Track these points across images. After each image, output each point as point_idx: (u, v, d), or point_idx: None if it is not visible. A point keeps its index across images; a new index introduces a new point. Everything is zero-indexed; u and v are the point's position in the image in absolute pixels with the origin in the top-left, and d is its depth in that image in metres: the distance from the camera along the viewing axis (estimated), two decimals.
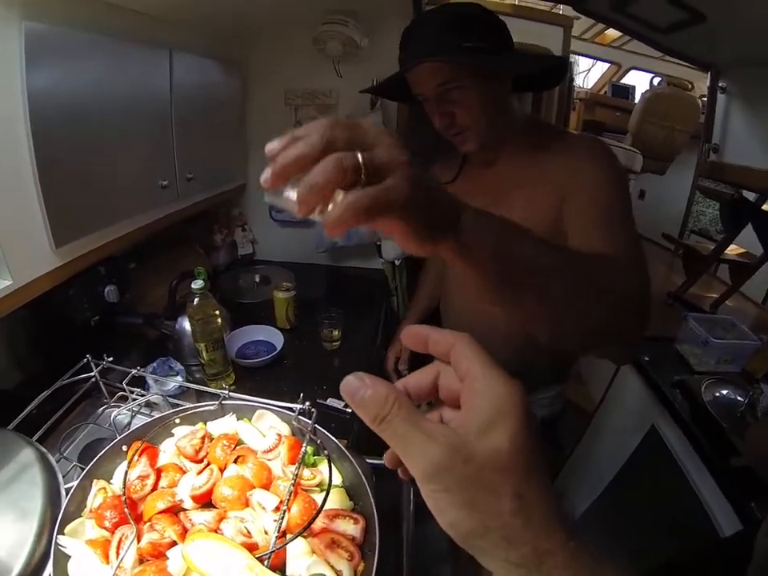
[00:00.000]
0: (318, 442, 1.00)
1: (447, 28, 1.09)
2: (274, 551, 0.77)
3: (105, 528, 0.83)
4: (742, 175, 2.05)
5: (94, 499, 0.88)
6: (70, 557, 0.78)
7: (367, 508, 0.88)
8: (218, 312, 1.45)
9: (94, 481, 0.92)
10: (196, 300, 1.40)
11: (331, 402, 1.15)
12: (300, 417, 1.04)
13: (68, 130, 1.17)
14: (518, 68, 1.21)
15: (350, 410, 1.19)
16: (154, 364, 1.37)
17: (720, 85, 2.18)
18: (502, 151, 1.27)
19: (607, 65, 5.17)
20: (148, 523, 0.83)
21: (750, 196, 2.28)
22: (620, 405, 2.10)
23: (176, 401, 1.24)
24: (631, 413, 1.95)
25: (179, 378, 1.33)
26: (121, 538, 0.80)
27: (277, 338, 1.79)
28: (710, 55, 2.12)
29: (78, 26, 1.16)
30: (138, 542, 0.79)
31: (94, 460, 0.93)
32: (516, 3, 2.28)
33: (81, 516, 0.87)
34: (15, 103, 1.03)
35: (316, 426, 1.02)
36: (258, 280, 2.43)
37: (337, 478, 0.95)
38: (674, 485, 1.59)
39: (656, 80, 4.33)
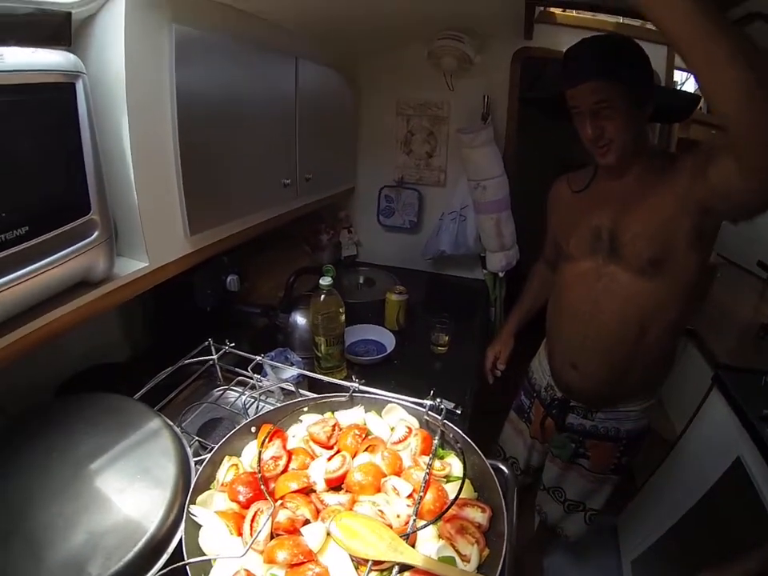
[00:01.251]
0: (451, 435, 1.03)
1: (607, 56, 1.25)
2: (411, 533, 0.81)
3: (238, 502, 0.86)
4: None
5: (227, 474, 0.92)
6: (200, 526, 0.81)
7: (495, 499, 0.90)
8: (342, 309, 1.50)
9: (226, 457, 0.96)
10: (323, 296, 1.45)
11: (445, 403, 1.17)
12: (430, 412, 1.08)
13: (207, 124, 1.24)
14: (661, 98, 1.35)
15: (459, 411, 1.24)
16: (273, 353, 1.40)
17: None
18: (631, 169, 1.37)
19: None
20: (280, 501, 0.85)
21: None
22: (704, 434, 2.02)
23: (300, 390, 1.28)
24: (716, 444, 1.87)
25: (296, 369, 1.36)
26: (256, 513, 0.83)
27: (387, 339, 1.85)
28: None
29: (220, 33, 1.25)
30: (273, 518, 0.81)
31: (227, 437, 0.98)
32: (620, 21, 2.22)
33: (210, 489, 0.90)
34: (165, 90, 1.11)
35: (445, 421, 1.05)
36: (362, 281, 2.49)
37: (459, 467, 0.98)
38: (755, 524, 1.50)
39: None
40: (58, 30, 0.91)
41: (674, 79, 2.69)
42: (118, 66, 0.97)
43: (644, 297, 1.36)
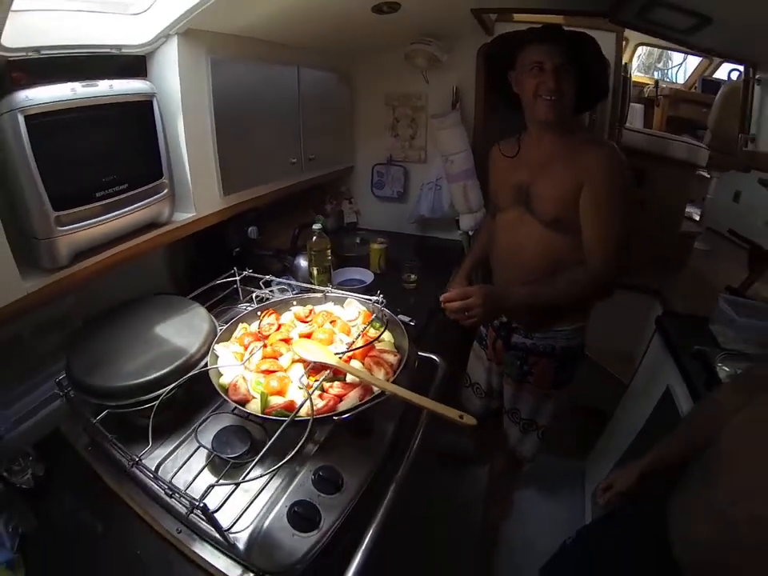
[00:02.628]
0: (384, 318, 1.54)
1: (571, 34, 1.60)
2: (346, 352, 1.33)
3: (243, 345, 1.42)
4: None
5: (239, 332, 1.48)
6: (218, 356, 1.36)
7: (405, 352, 1.39)
8: (329, 247, 2.03)
9: (240, 324, 1.52)
10: (315, 237, 2.00)
11: (401, 317, 1.63)
12: (376, 304, 1.58)
13: (233, 119, 1.78)
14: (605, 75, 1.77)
15: (413, 323, 1.67)
16: (279, 279, 1.93)
17: (756, 77, 2.27)
18: (551, 133, 1.67)
19: (699, 59, 4.91)
20: (270, 345, 1.40)
21: None
22: (647, 372, 2.28)
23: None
24: (654, 378, 2.09)
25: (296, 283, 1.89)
26: (251, 347, 1.39)
27: (368, 277, 2.36)
28: (741, 50, 2.24)
29: (240, 56, 1.80)
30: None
31: (241, 314, 1.55)
32: (563, 18, 2.53)
33: (228, 341, 1.45)
34: (206, 97, 1.65)
35: (384, 308, 1.56)
36: (358, 241, 2.97)
37: (389, 336, 1.48)
38: None
39: (734, 74, 4.04)
40: (138, 66, 1.45)
41: (623, 62, 2.98)
42: (175, 84, 1.51)
43: (553, 242, 1.67)
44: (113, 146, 1.32)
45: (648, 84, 4.29)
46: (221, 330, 1.46)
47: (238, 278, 1.81)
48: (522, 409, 2.05)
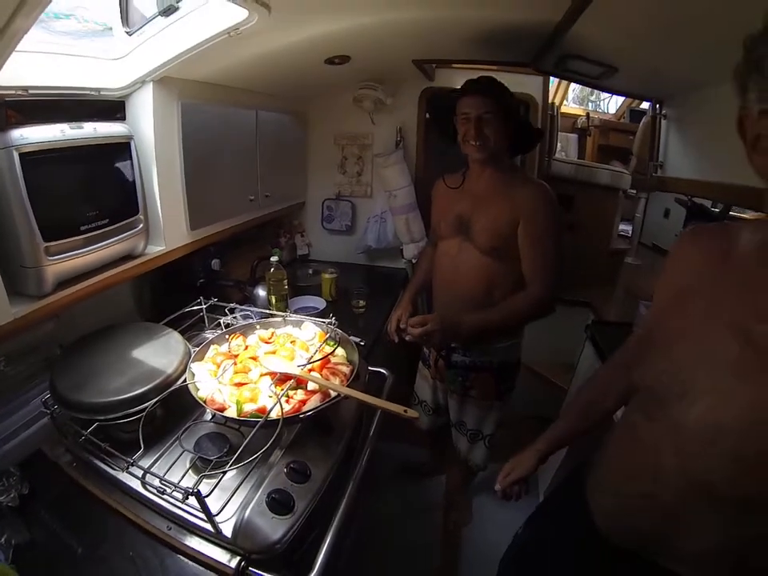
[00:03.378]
0: (336, 336, 1.72)
1: (491, 85, 1.78)
2: (306, 365, 1.49)
3: (216, 363, 1.56)
4: (673, 184, 2.50)
5: (211, 353, 1.63)
6: (194, 373, 1.48)
7: (356, 364, 1.58)
8: (285, 277, 2.21)
9: (211, 345, 1.66)
10: (272, 269, 2.16)
11: (352, 338, 1.79)
12: (329, 325, 1.76)
13: (200, 158, 1.92)
14: (523, 121, 1.97)
15: (363, 343, 1.87)
16: (242, 306, 2.06)
17: (663, 112, 2.54)
18: (490, 170, 1.87)
19: None
20: (240, 362, 1.55)
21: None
22: (580, 375, 2.47)
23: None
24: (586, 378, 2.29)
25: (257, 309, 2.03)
26: (223, 365, 1.54)
27: (321, 304, 2.53)
28: (647, 90, 2.58)
29: (207, 100, 1.95)
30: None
31: (212, 337, 1.69)
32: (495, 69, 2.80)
33: (201, 360, 1.59)
34: (175, 140, 1.80)
35: (336, 328, 1.74)
36: (311, 272, 3.13)
37: (342, 351, 1.66)
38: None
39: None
40: (117, 109, 1.57)
41: (550, 101, 3.25)
42: (149, 127, 1.65)
43: (489, 268, 1.85)
44: (95, 183, 1.45)
45: (581, 115, 4.51)
46: (194, 351, 1.59)
47: (204, 306, 1.94)
48: (467, 421, 2.20)
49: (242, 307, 2.01)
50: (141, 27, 1.52)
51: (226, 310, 1.93)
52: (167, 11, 1.41)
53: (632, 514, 0.99)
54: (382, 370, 1.83)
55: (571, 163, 3.68)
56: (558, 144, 4.33)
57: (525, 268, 1.81)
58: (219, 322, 1.89)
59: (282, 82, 2.35)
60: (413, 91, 2.90)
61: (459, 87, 1.84)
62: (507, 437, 2.23)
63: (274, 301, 2.19)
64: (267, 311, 1.99)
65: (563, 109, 4.41)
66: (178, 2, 1.38)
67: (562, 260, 1.82)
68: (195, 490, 1.04)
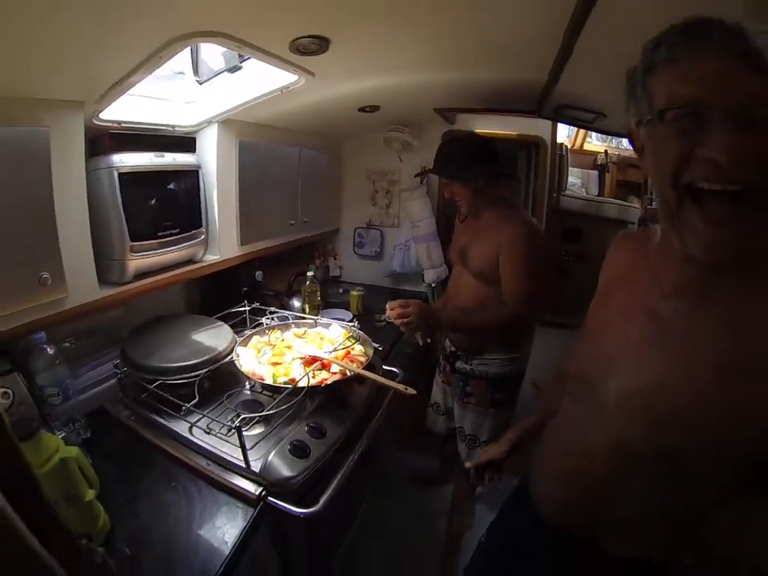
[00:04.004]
0: (358, 336, 2.07)
1: (448, 161, 2.14)
2: (332, 352, 1.85)
3: (257, 349, 1.92)
4: None
5: (253, 341, 1.99)
6: (239, 354, 1.83)
7: (371, 358, 1.92)
8: (318, 290, 2.60)
9: (255, 336, 2.02)
10: (308, 282, 2.55)
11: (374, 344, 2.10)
12: (352, 327, 2.12)
13: (251, 185, 2.30)
14: (476, 178, 2.10)
15: (380, 348, 2.13)
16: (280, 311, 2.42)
17: None
18: (483, 210, 2.16)
19: None
20: (277, 349, 1.91)
21: None
22: None
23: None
24: None
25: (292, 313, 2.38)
26: (263, 350, 1.89)
27: (348, 316, 2.86)
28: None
29: (259, 139, 2.34)
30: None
31: (255, 330, 2.04)
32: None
33: (245, 346, 1.94)
34: (232, 170, 2.19)
35: (360, 330, 2.10)
36: (341, 291, 3.44)
37: (361, 348, 2.00)
38: None
39: None
40: (189, 143, 1.97)
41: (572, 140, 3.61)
42: (212, 158, 2.05)
43: (480, 290, 2.14)
44: (171, 200, 1.84)
45: (601, 152, 4.73)
46: (240, 339, 1.95)
47: (247, 308, 2.31)
48: (466, 426, 2.39)
49: (280, 311, 2.37)
50: (209, 79, 1.92)
51: (267, 313, 2.29)
52: (232, 69, 1.81)
53: (569, 493, 1.09)
54: (394, 369, 2.12)
55: (581, 198, 3.98)
56: (579, 180, 4.63)
57: (503, 290, 2.07)
58: (260, 322, 2.23)
59: (321, 124, 2.74)
60: (436, 133, 3.21)
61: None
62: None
63: (307, 309, 2.54)
64: (301, 315, 2.35)
65: (586, 146, 4.72)
66: (241, 62, 1.78)
67: (542, 286, 2.03)
68: (237, 425, 1.38)
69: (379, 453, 2.49)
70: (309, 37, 1.34)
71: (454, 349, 2.40)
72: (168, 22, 1.13)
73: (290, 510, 1.35)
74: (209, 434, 1.51)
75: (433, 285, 3.41)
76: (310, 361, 1.79)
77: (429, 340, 2.32)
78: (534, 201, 3.53)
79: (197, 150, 2.01)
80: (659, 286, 0.93)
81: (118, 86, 1.36)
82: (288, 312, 2.39)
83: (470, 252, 2.17)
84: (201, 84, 1.94)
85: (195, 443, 1.53)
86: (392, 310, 2.03)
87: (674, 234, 0.83)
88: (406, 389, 1.63)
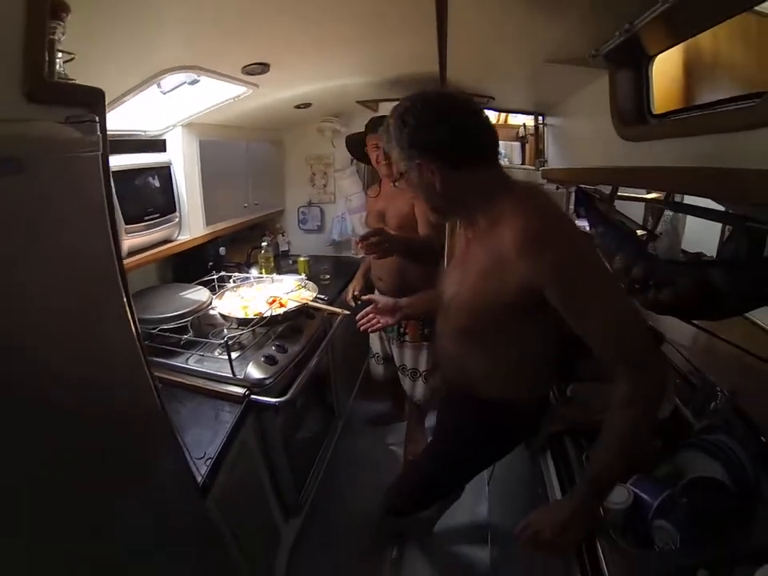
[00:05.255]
0: (305, 283, 2.60)
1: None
2: (287, 293, 2.39)
3: (229, 300, 2.42)
4: (547, 174, 3.11)
5: (227, 295, 2.48)
6: (216, 306, 2.35)
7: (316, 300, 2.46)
8: (272, 258, 3.15)
9: (227, 292, 2.52)
10: (263, 252, 3.09)
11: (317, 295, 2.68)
12: (301, 278, 2.66)
13: (211, 176, 2.78)
14: None
15: (326, 298, 2.70)
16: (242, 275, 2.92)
17: (543, 122, 3.27)
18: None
19: None
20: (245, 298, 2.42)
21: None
22: None
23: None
24: None
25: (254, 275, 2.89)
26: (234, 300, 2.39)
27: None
28: (533, 108, 3.34)
29: (216, 137, 2.83)
30: None
31: (226, 288, 2.53)
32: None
33: (220, 299, 2.43)
34: (196, 165, 2.67)
35: (306, 280, 2.63)
36: (291, 263, 3.90)
37: (309, 292, 2.52)
38: None
39: None
40: (161, 144, 2.45)
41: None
42: (179, 156, 2.52)
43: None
44: (151, 191, 2.32)
45: (520, 126, 5.08)
46: (215, 295, 2.45)
47: (216, 276, 2.81)
48: (407, 363, 2.76)
49: (243, 275, 2.89)
50: (172, 90, 2.36)
51: (231, 280, 2.79)
52: (192, 82, 2.28)
53: (447, 367, 1.65)
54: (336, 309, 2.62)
55: None
56: (503, 151, 5.13)
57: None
58: (226, 286, 2.73)
59: (265, 121, 3.25)
60: (362, 120, 3.60)
61: None
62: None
63: (264, 273, 3.05)
64: (260, 275, 2.89)
65: (510, 120, 5.14)
66: (199, 77, 2.25)
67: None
68: (225, 340, 1.92)
69: (342, 402, 3.10)
70: (255, 64, 1.86)
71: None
72: (162, 58, 1.64)
73: (268, 401, 1.91)
74: (202, 362, 2.04)
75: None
76: (271, 301, 2.34)
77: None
78: None
79: (167, 150, 2.48)
80: (467, 237, 1.44)
81: (114, 103, 1.83)
82: (249, 275, 2.92)
83: (389, 213, 2.57)
84: (164, 94, 2.39)
85: (193, 369, 2.02)
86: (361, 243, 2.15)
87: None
88: (341, 311, 2.29)
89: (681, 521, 1.13)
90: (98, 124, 1.02)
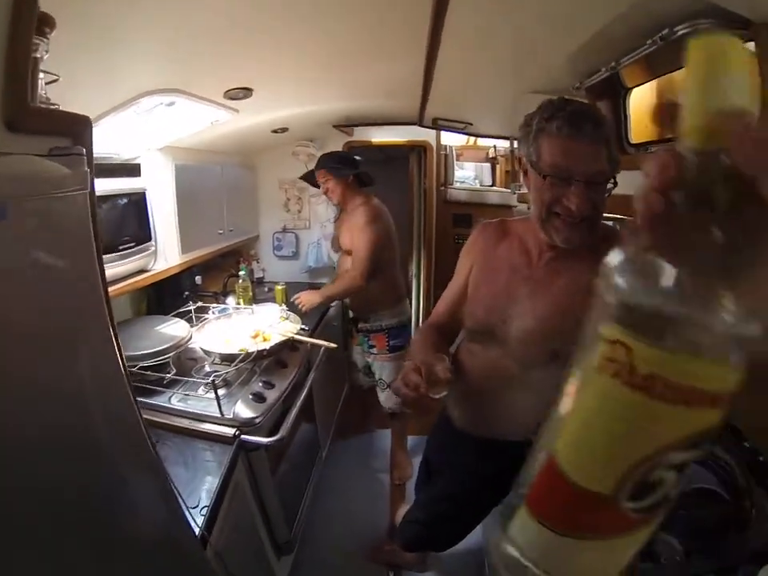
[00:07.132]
0: (288, 315, 2.52)
1: (330, 160, 2.77)
2: (270, 326, 2.28)
3: (210, 332, 2.30)
4: (521, 197, 3.28)
5: (207, 329, 2.37)
6: (197, 341, 2.24)
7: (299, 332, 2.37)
8: (249, 287, 3.02)
9: (206, 326, 2.40)
10: (241, 280, 2.97)
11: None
12: (282, 309, 2.56)
13: (186, 201, 2.67)
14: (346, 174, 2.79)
15: (306, 328, 2.63)
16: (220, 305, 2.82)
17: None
18: (349, 205, 2.90)
19: None
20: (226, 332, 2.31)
21: None
22: None
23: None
24: None
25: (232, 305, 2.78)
26: (215, 333, 2.28)
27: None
28: (505, 134, 3.34)
29: (191, 161, 2.73)
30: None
31: (205, 321, 2.41)
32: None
33: (200, 333, 2.33)
34: (171, 190, 2.56)
35: (288, 311, 2.54)
36: (267, 290, 3.82)
37: (292, 325, 2.43)
38: None
39: None
40: (136, 169, 2.33)
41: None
42: (154, 180, 2.41)
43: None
44: (127, 218, 2.20)
45: (491, 147, 5.24)
46: (194, 328, 2.33)
47: (193, 306, 2.69)
48: (375, 372, 2.99)
49: (221, 305, 2.78)
50: (148, 110, 2.28)
51: (210, 309, 2.68)
52: (169, 104, 2.19)
53: (475, 408, 1.51)
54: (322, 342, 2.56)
55: (466, 189, 4.60)
56: (473, 173, 5.26)
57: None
58: (204, 318, 2.62)
59: (239, 145, 3.18)
60: (337, 144, 3.72)
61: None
62: None
63: (242, 303, 2.96)
64: (239, 306, 2.78)
65: (479, 142, 5.27)
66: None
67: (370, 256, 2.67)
68: (212, 379, 1.81)
69: (323, 432, 3.01)
70: (238, 88, 1.79)
71: (353, 315, 3.09)
72: (142, 80, 1.56)
73: (259, 441, 1.80)
74: (185, 400, 1.92)
75: None
76: (254, 335, 2.24)
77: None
78: (425, 193, 4.19)
79: (141, 175, 2.37)
80: (529, 260, 1.35)
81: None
82: (227, 305, 2.81)
83: (341, 238, 2.85)
84: (138, 115, 2.30)
85: (177, 409, 1.91)
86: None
87: (541, 230, 1.23)
88: (327, 344, 2.21)
89: (681, 533, 1.16)
90: (86, 157, 0.92)
